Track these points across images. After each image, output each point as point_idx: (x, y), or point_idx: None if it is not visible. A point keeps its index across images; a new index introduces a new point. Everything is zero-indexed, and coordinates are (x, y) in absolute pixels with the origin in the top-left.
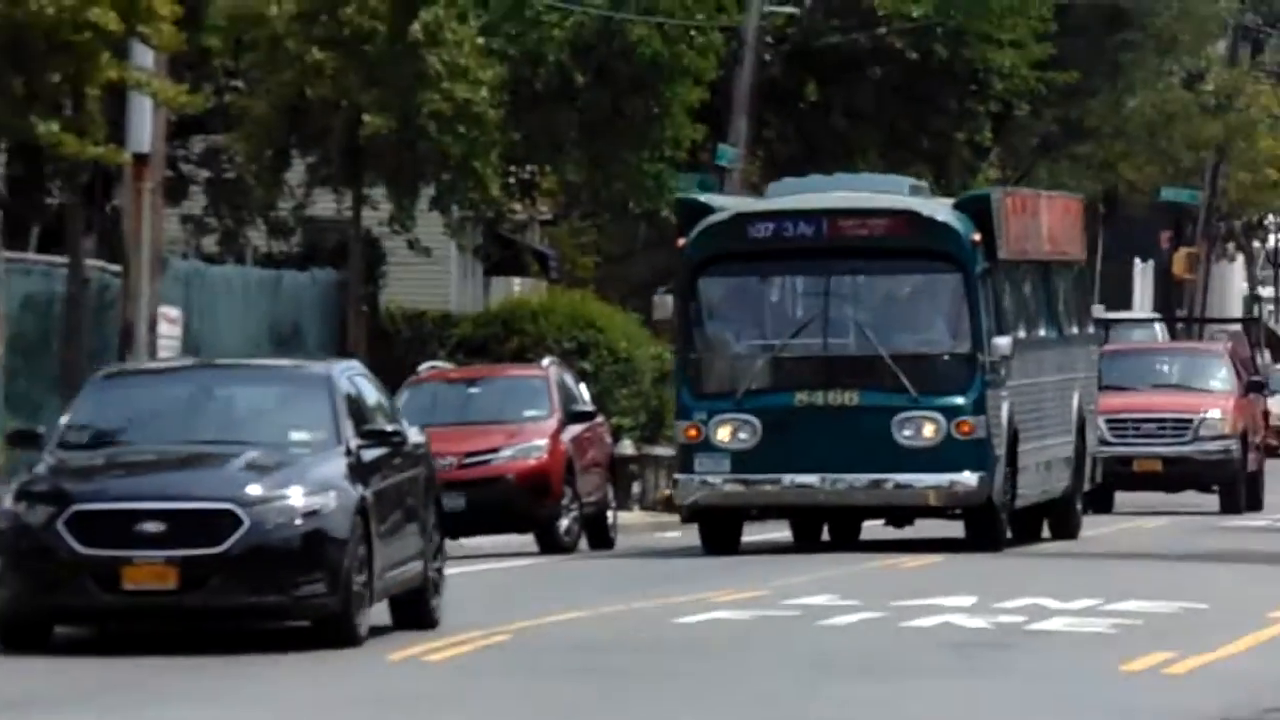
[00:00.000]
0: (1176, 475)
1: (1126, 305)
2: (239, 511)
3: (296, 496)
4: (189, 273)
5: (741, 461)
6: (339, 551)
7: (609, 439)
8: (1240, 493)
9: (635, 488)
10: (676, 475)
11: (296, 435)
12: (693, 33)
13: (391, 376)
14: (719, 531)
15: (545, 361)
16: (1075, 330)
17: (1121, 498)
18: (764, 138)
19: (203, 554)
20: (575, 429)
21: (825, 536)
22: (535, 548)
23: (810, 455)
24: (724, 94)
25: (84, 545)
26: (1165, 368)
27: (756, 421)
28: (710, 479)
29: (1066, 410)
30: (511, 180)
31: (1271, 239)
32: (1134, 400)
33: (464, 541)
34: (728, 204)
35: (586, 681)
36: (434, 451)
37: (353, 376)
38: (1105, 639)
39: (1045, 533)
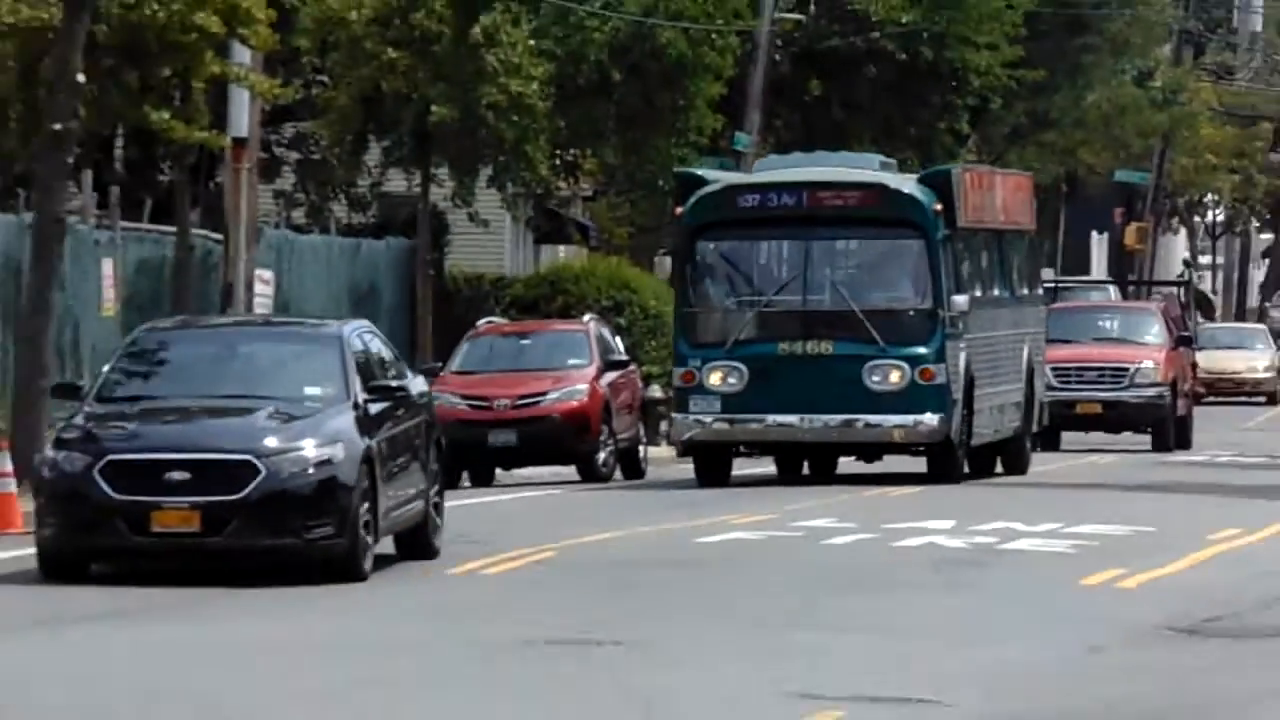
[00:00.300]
0: (1114, 417)
1: (1085, 271)
2: (257, 462)
3: (309, 448)
4: (280, 241)
5: (730, 403)
6: (347, 498)
7: (640, 384)
8: (1170, 433)
9: (663, 426)
10: (673, 414)
11: (310, 390)
12: (713, 36)
13: (454, 330)
14: (710, 465)
15: (586, 317)
16: (1026, 291)
17: (1067, 437)
18: (774, 126)
19: (224, 500)
20: (611, 375)
21: (805, 471)
22: (577, 477)
23: (790, 398)
24: (740, 89)
25: (116, 491)
26: (1105, 323)
27: (744, 368)
28: (703, 418)
29: (1018, 360)
30: (558, 162)
31: (1210, 214)
32: (1077, 352)
33: (515, 472)
34: (720, 177)
35: (622, 592)
36: (490, 395)
37: (362, 334)
38: (1066, 557)
39: (999, 468)
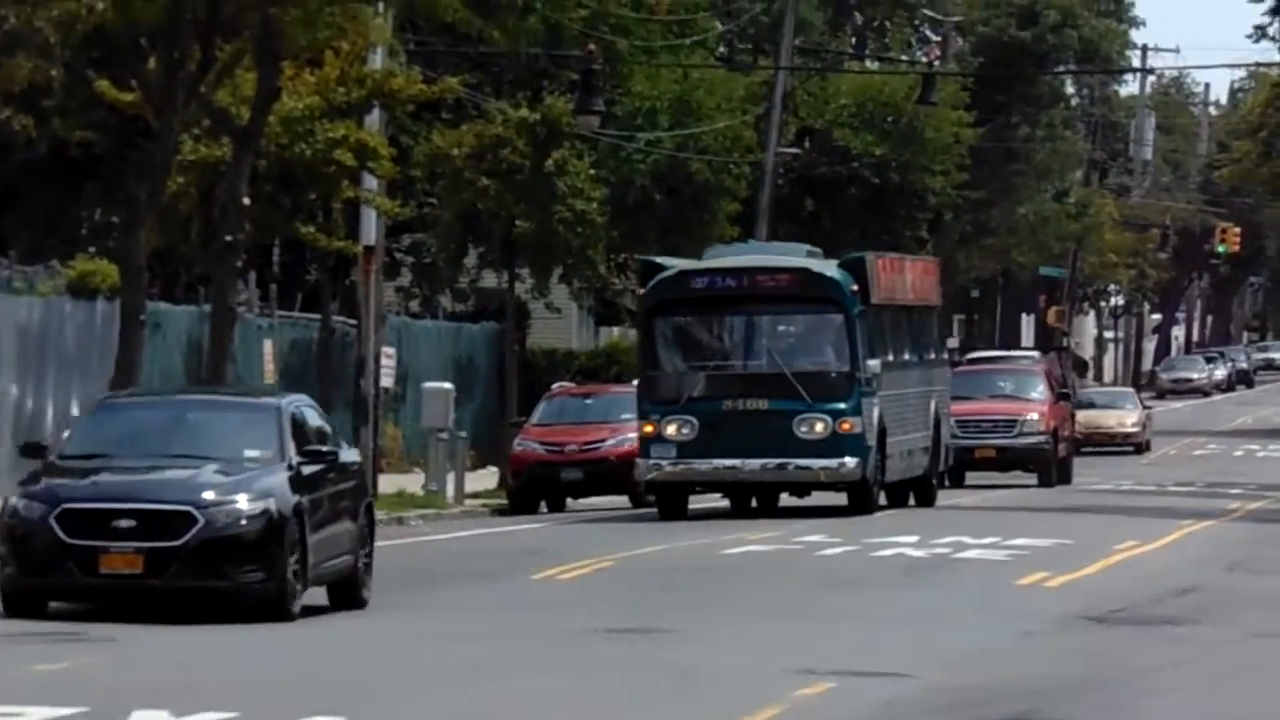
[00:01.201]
0: (1005, 459)
1: (1017, 344)
2: (196, 512)
3: (243, 501)
4: (400, 325)
5: (684, 449)
6: (277, 546)
7: None
8: (1052, 473)
9: None
10: (637, 459)
11: (249, 452)
12: (731, 166)
13: (534, 393)
14: (670, 501)
15: (634, 382)
16: (933, 355)
17: (970, 476)
18: (779, 235)
19: (165, 546)
20: None
21: (754, 504)
22: (629, 505)
23: (733, 445)
24: (751, 206)
25: (69, 536)
26: (999, 383)
27: (695, 420)
28: (661, 462)
29: (925, 413)
30: (612, 262)
31: (1112, 300)
32: (976, 406)
33: (581, 500)
34: (676, 263)
35: (665, 592)
36: (562, 441)
37: (300, 407)
38: (1005, 564)
39: (911, 501)
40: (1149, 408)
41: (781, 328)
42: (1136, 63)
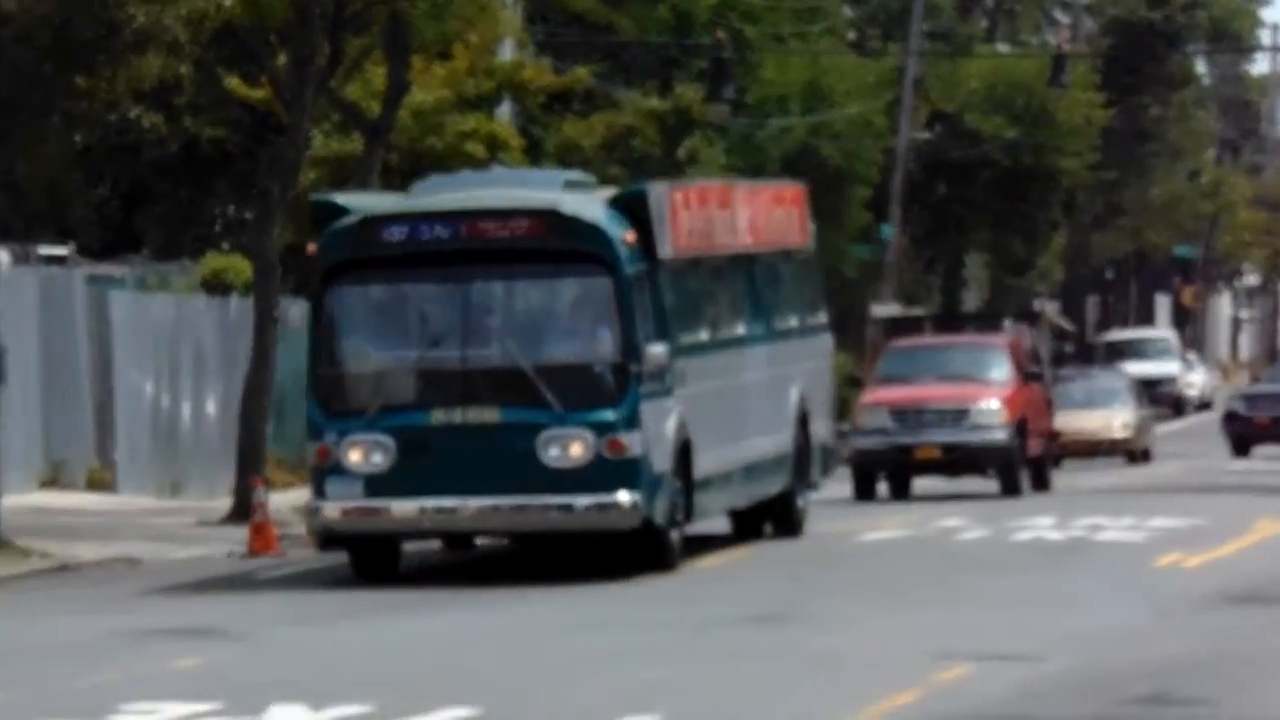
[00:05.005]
0: (954, 460)
1: (1152, 324)
2: None
3: None
4: None
5: (375, 485)
6: None
7: None
8: (1018, 476)
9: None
10: (308, 501)
11: None
12: (862, 152)
13: None
14: (368, 558)
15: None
16: (794, 322)
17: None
18: (910, 219)
19: None
20: None
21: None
22: None
23: (450, 477)
24: (883, 191)
25: None
26: (947, 361)
27: (390, 442)
28: (341, 505)
29: (779, 407)
30: None
31: (1247, 279)
32: (915, 392)
33: None
34: (364, 204)
35: (801, 579)
36: None
37: None
38: (1142, 544)
39: (769, 530)
40: (1152, 408)
41: (520, 300)
42: (1267, 41)
